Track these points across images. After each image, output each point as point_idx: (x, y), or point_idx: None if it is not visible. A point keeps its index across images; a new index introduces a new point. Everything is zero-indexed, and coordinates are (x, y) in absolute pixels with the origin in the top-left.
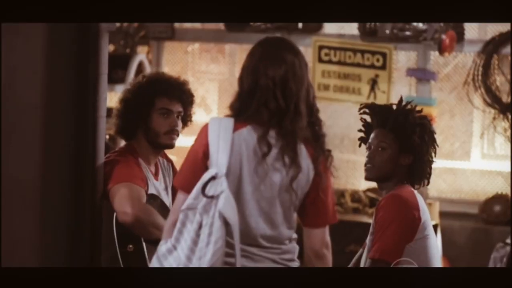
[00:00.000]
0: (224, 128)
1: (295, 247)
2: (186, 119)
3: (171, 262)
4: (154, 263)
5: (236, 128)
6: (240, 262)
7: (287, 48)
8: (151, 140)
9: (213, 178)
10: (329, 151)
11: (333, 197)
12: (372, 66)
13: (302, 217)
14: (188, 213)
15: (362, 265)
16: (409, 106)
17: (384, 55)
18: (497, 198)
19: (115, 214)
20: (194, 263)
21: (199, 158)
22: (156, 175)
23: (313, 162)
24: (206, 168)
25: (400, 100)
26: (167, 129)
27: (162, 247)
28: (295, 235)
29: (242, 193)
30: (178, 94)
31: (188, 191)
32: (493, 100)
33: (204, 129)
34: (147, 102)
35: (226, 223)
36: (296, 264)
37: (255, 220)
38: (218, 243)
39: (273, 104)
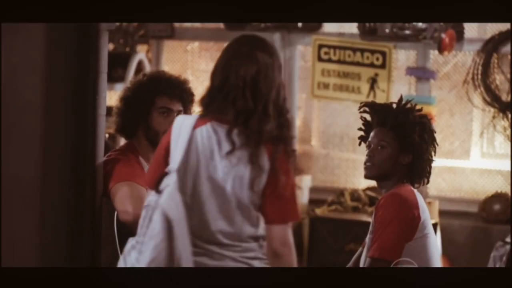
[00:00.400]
0: (185, 125)
1: (261, 245)
2: None
3: (132, 256)
4: (120, 260)
5: (197, 125)
6: (185, 257)
7: (261, 48)
8: (151, 139)
9: (166, 173)
10: (294, 151)
11: (293, 195)
12: (371, 65)
13: (262, 214)
14: (148, 209)
15: (361, 264)
16: (409, 105)
17: (383, 54)
18: (497, 197)
19: (116, 213)
20: (145, 256)
21: (162, 155)
22: None
23: (269, 159)
24: (168, 164)
25: (400, 99)
26: (167, 128)
27: (128, 244)
28: (261, 233)
29: (199, 190)
30: (179, 93)
31: (152, 187)
32: (493, 99)
33: (170, 127)
34: (148, 100)
35: (169, 218)
36: (260, 262)
37: (213, 217)
38: (158, 237)
39: (241, 103)
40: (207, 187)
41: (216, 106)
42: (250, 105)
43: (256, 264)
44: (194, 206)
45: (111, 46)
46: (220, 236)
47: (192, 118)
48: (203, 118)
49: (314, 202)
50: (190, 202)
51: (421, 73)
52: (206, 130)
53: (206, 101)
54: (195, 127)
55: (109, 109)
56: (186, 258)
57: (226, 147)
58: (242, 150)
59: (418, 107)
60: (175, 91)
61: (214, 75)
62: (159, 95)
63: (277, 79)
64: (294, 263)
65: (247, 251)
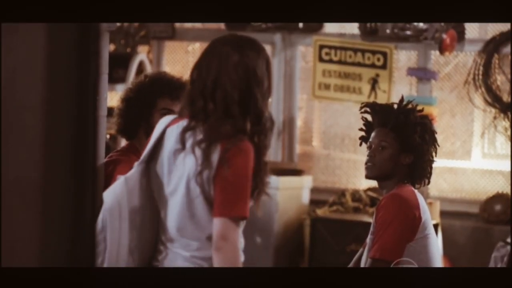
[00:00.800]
0: (161, 124)
1: None
2: None
3: None
4: None
5: (170, 124)
6: (121, 255)
7: (236, 48)
8: None
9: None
10: (265, 163)
11: (240, 190)
12: (372, 66)
13: None
14: None
15: (362, 264)
16: (410, 106)
17: (384, 54)
18: (498, 197)
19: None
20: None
21: (141, 154)
22: None
23: (220, 152)
24: None
25: (401, 99)
26: None
27: None
28: None
29: (163, 186)
30: (180, 94)
31: None
32: (494, 99)
33: None
34: (149, 102)
35: (105, 210)
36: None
37: (172, 213)
38: (98, 227)
39: (199, 104)
40: (169, 183)
41: (184, 105)
42: (209, 107)
43: (205, 264)
44: (161, 203)
45: (112, 47)
46: (177, 233)
47: (171, 117)
48: (179, 117)
49: (315, 202)
50: (158, 199)
51: (422, 74)
52: (176, 127)
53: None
54: (168, 125)
55: (110, 110)
56: (122, 256)
57: (177, 145)
58: (198, 147)
59: (419, 107)
60: (177, 92)
61: (190, 75)
62: (161, 96)
63: (243, 80)
64: (236, 262)
65: (200, 249)
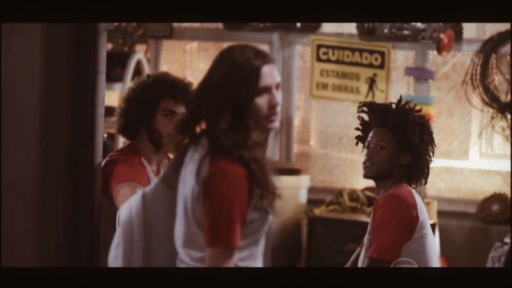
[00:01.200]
0: None
1: None
2: None
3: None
4: None
5: None
6: (126, 262)
7: (220, 56)
8: (153, 141)
9: None
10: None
11: (223, 221)
12: (370, 65)
13: None
14: None
15: (360, 264)
16: (407, 106)
17: (382, 54)
18: (495, 197)
19: (118, 213)
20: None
21: None
22: (158, 174)
23: (207, 177)
24: None
25: (400, 99)
26: (171, 130)
27: None
28: None
29: (177, 203)
30: (183, 96)
31: None
32: (491, 99)
33: None
34: (152, 102)
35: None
36: None
37: (179, 232)
38: (115, 241)
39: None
40: (180, 201)
41: None
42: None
43: None
44: (175, 220)
45: (109, 46)
46: (180, 251)
47: None
48: None
49: (312, 202)
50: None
51: (419, 74)
52: None
53: None
54: None
55: (107, 109)
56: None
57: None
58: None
59: (417, 107)
60: (180, 93)
61: None
62: (164, 97)
63: (216, 91)
64: None
65: None
